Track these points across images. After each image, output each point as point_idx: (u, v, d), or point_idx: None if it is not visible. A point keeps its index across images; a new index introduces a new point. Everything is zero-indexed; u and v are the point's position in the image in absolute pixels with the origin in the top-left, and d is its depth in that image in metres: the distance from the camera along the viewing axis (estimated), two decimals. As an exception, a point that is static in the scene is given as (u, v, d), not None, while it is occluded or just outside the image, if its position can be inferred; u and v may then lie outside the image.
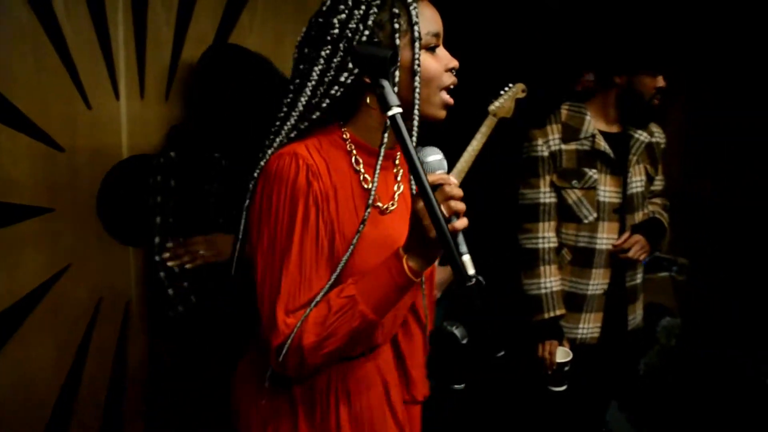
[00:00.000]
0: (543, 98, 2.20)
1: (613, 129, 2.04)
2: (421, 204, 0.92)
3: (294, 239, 0.99)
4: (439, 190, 0.93)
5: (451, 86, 1.09)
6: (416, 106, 1.03)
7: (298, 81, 1.06)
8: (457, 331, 0.93)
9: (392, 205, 1.13)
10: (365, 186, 1.08)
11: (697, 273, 3.19)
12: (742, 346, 2.81)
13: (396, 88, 1.01)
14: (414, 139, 1.01)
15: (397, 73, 1.01)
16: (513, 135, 2.19)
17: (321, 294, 1.00)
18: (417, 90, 1.02)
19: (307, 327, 0.96)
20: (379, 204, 1.11)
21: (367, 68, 0.96)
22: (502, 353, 0.93)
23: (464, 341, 0.93)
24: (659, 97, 1.93)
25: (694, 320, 3.14)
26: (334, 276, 1.02)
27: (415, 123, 1.03)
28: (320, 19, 1.05)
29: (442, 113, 1.09)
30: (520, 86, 2.22)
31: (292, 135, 1.05)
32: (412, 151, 0.92)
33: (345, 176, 1.06)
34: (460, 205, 0.92)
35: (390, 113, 0.93)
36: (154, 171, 1.77)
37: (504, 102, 2.17)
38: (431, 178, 0.93)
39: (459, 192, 0.94)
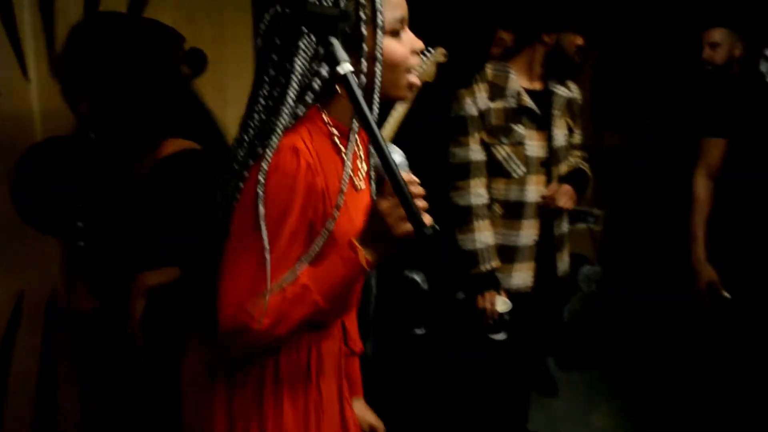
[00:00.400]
0: (467, 59, 2.26)
1: (536, 86, 2.12)
2: (385, 204, 0.94)
3: (283, 232, 0.98)
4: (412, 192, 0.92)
5: (413, 79, 1.10)
6: (376, 91, 1.04)
7: (273, 73, 1.03)
8: (417, 277, 0.96)
9: (362, 180, 1.14)
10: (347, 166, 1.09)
11: (612, 222, 3.40)
12: (657, 289, 3.04)
13: (363, 77, 1.02)
14: (375, 119, 1.02)
15: (363, 61, 1.02)
16: (438, 99, 2.24)
17: (283, 279, 1.00)
18: (377, 76, 1.04)
19: (262, 312, 0.97)
20: (357, 183, 1.13)
21: (316, 27, 0.95)
22: (462, 296, 0.98)
23: (425, 286, 0.96)
24: (579, 54, 2.01)
25: (612, 267, 3.36)
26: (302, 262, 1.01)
27: (375, 108, 1.04)
28: (287, 9, 1.02)
29: (409, 94, 1.12)
30: (441, 51, 2.25)
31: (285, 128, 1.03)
32: (367, 113, 0.92)
33: (333, 162, 1.06)
34: (423, 204, 0.94)
35: (340, 70, 0.92)
36: (71, 153, 1.66)
37: (425, 67, 2.20)
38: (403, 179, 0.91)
39: (422, 191, 0.95)
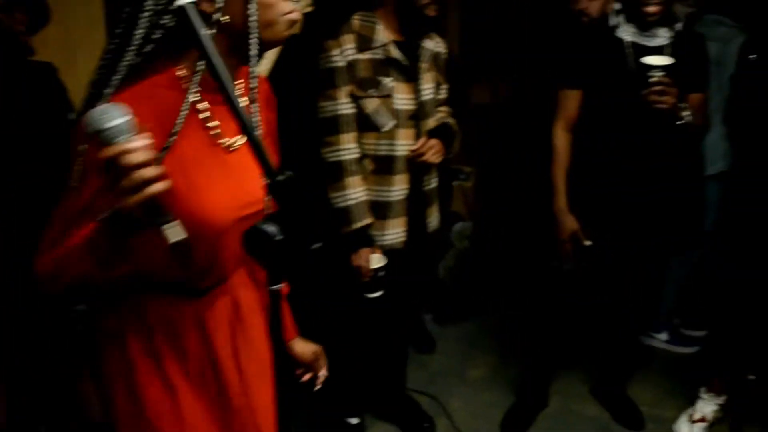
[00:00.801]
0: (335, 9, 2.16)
1: (402, 38, 2.07)
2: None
3: (86, 188, 0.94)
4: (124, 164, 0.81)
5: (293, 15, 1.04)
6: (253, 31, 0.99)
7: (121, 27, 0.97)
8: (269, 228, 0.88)
9: (242, 138, 1.08)
10: (209, 125, 1.04)
11: (481, 178, 3.49)
12: (528, 239, 3.14)
13: (227, 17, 0.97)
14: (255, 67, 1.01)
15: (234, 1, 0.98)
16: (305, 50, 2.13)
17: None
18: (253, 16, 0.98)
19: (45, 262, 0.98)
20: (224, 141, 1.07)
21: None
22: (318, 245, 0.92)
23: (278, 238, 0.89)
24: (434, 7, 1.95)
25: (482, 222, 3.46)
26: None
27: (254, 50, 1.00)
28: None
29: (287, 33, 1.06)
30: (305, 0, 2.15)
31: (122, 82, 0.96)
32: (211, 53, 0.85)
33: (184, 121, 0.99)
34: (149, 172, 0.81)
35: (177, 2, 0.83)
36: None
37: None
38: (109, 152, 0.81)
39: (145, 157, 0.82)
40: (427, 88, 2.11)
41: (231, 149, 1.08)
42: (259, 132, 1.03)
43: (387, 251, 2.11)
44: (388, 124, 2.03)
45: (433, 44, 2.14)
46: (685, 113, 2.10)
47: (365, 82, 2.01)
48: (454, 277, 3.32)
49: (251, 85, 1.03)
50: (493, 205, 3.51)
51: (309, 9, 2.22)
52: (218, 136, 1.06)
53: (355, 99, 2.02)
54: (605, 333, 2.65)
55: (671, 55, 2.11)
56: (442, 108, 2.26)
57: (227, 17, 0.98)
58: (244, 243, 0.94)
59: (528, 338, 2.72)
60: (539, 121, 2.51)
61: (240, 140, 1.09)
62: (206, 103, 1.04)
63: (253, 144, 0.88)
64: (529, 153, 2.72)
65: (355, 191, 2.04)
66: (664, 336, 3.06)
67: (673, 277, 2.83)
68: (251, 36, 0.98)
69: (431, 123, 2.13)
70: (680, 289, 2.95)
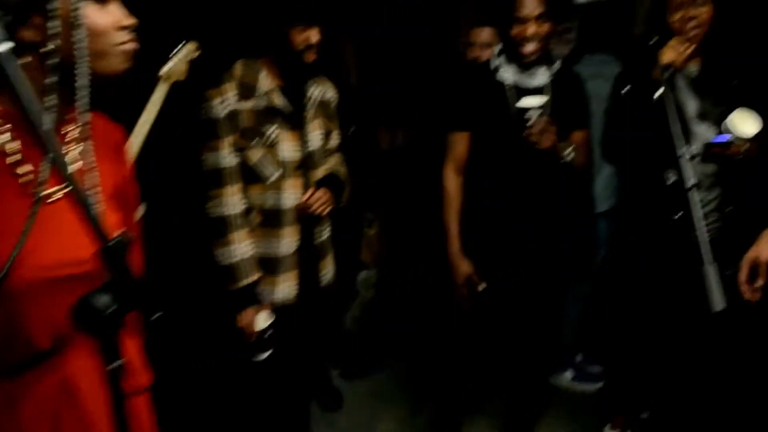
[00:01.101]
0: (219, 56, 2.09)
1: (287, 84, 2.01)
2: None
3: None
4: None
5: (129, 47, 0.98)
6: (81, 62, 0.90)
7: None
8: (99, 300, 0.78)
9: (65, 188, 0.93)
10: (19, 171, 0.92)
11: (385, 224, 3.44)
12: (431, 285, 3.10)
13: (57, 42, 0.89)
14: (85, 102, 0.90)
15: (58, 24, 0.89)
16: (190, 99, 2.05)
17: None
18: (81, 45, 0.90)
19: None
20: (39, 189, 0.90)
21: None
22: (159, 315, 0.82)
23: (111, 310, 0.78)
24: (311, 52, 1.90)
25: (388, 268, 3.39)
26: None
27: (84, 81, 0.90)
28: None
29: (122, 66, 0.98)
30: (192, 46, 2.07)
31: None
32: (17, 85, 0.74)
33: None
34: None
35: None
36: None
37: (175, 64, 2.00)
38: None
39: None
40: (315, 136, 2.05)
41: (49, 200, 0.94)
42: (93, 182, 0.91)
43: (278, 307, 2.01)
44: (274, 174, 1.96)
45: (321, 90, 2.10)
46: (567, 152, 2.16)
47: (249, 131, 1.94)
48: (361, 328, 3.22)
49: (81, 121, 0.93)
50: (397, 251, 3.47)
51: (195, 54, 2.13)
52: (30, 183, 0.92)
53: (238, 150, 1.94)
54: (511, 376, 2.63)
55: (551, 94, 2.18)
56: (334, 156, 2.21)
57: (53, 46, 0.89)
58: (74, 315, 0.84)
59: (436, 386, 2.65)
60: (434, 165, 2.51)
61: (62, 190, 0.95)
62: (17, 143, 0.92)
63: (77, 198, 0.79)
64: (426, 197, 2.70)
65: (241, 246, 1.94)
66: (569, 374, 3.08)
67: (569, 314, 2.87)
68: (78, 66, 0.89)
69: (320, 172, 2.07)
70: (578, 325, 2.99)
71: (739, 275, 1.86)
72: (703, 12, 1.95)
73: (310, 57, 1.92)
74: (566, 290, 2.56)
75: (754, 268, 1.85)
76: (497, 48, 2.27)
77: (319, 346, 2.44)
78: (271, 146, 1.95)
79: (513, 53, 2.18)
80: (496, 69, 2.23)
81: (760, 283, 1.82)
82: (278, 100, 1.96)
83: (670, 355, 2.16)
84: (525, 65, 2.18)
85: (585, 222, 2.41)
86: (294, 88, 2.01)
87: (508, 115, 2.15)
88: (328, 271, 2.15)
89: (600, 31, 2.99)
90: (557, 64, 2.24)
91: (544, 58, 2.20)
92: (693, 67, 2.05)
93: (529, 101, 2.07)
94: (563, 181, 2.22)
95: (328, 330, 2.54)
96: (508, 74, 2.21)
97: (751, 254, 1.88)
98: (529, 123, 2.06)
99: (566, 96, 2.22)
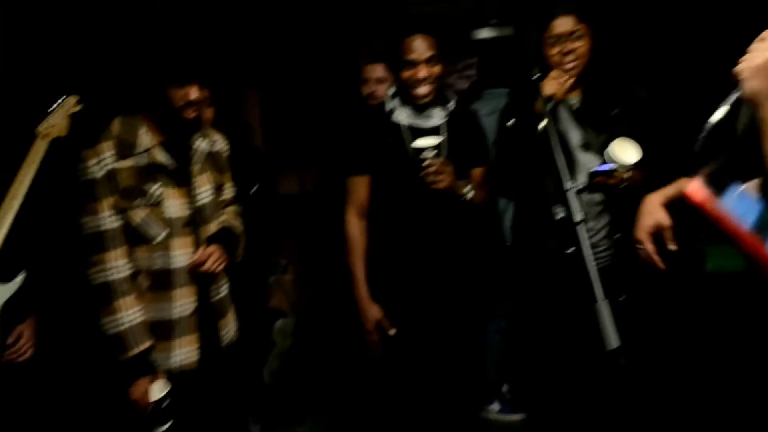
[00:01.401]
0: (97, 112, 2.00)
1: (169, 139, 1.93)
2: None
3: None
4: None
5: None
6: None
7: None
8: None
9: None
10: None
11: (300, 268, 3.37)
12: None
13: None
14: None
15: None
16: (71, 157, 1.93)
17: None
18: None
19: None
20: None
21: None
22: None
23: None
24: (192, 109, 1.83)
25: (306, 316, 3.31)
26: None
27: None
28: None
29: None
30: (72, 99, 1.97)
31: None
32: None
33: None
34: None
35: None
36: None
37: (54, 120, 1.90)
38: None
39: None
40: (204, 190, 1.97)
41: None
42: None
43: (176, 374, 1.88)
44: (160, 234, 1.85)
45: (208, 143, 2.03)
46: (466, 189, 2.16)
47: (130, 191, 1.83)
48: (280, 380, 3.10)
49: None
50: (314, 297, 3.39)
51: (76, 108, 2.03)
52: None
53: (120, 211, 1.83)
54: (437, 414, 2.57)
55: (447, 133, 2.19)
56: (229, 208, 2.13)
57: None
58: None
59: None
60: (340, 209, 2.46)
61: None
62: None
63: None
64: (336, 241, 2.65)
65: (129, 313, 1.82)
66: (496, 406, 3.06)
67: (491, 346, 2.86)
68: None
69: (212, 228, 1.98)
70: (501, 356, 2.98)
71: (645, 249, 1.70)
72: (580, 46, 2.01)
73: (190, 114, 1.84)
74: (485, 323, 2.54)
75: (658, 238, 1.70)
76: (391, 90, 2.27)
77: (233, 405, 2.31)
78: (156, 205, 1.85)
79: (406, 95, 2.18)
80: (392, 111, 2.22)
81: (673, 247, 1.68)
82: (160, 156, 1.88)
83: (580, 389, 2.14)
84: (419, 107, 2.19)
85: (494, 256, 2.41)
86: (177, 143, 1.93)
87: (405, 156, 2.14)
88: (229, 329, 2.05)
89: (499, 67, 3.07)
90: (452, 104, 2.26)
91: (438, 98, 2.21)
92: (574, 99, 2.10)
93: (423, 142, 2.07)
94: (465, 218, 2.22)
95: (241, 387, 2.42)
96: (402, 116, 2.21)
97: (645, 222, 1.69)
98: (425, 164, 2.05)
99: (463, 134, 2.24)
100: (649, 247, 1.69)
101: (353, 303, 2.28)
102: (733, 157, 1.12)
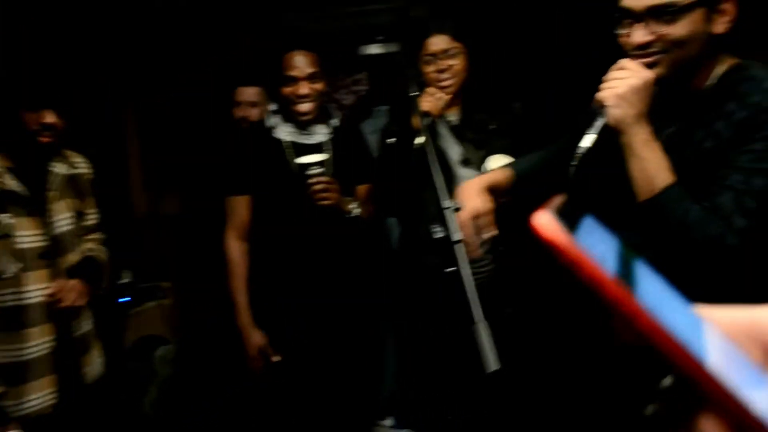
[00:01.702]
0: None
1: (19, 165, 1.74)
2: None
3: None
4: None
5: None
6: None
7: None
8: None
9: None
10: None
11: (182, 291, 3.19)
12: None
13: None
14: None
15: None
16: None
17: None
18: None
19: None
20: None
21: None
22: None
23: None
24: (49, 134, 1.71)
25: (189, 341, 3.13)
26: None
27: None
28: None
29: None
30: None
31: None
32: None
33: None
34: None
35: None
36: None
37: None
38: None
39: None
40: (62, 218, 1.80)
41: None
42: None
43: (33, 420, 1.70)
44: (10, 269, 1.67)
45: (68, 167, 1.86)
46: (352, 206, 2.13)
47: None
48: (161, 411, 2.91)
49: None
50: (196, 322, 3.22)
51: None
52: None
53: (-37, 245, 1.63)
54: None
55: (331, 150, 2.14)
56: (93, 235, 1.97)
57: None
58: None
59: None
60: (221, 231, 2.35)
61: None
62: None
63: None
64: (217, 265, 2.53)
65: (-28, 359, 1.63)
66: (389, 422, 3.04)
67: (388, 361, 2.84)
68: None
69: (72, 258, 1.82)
70: (396, 370, 2.97)
71: (465, 235, 1.56)
72: (455, 64, 2.03)
73: (45, 138, 1.69)
74: (383, 339, 2.51)
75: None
76: (272, 107, 2.19)
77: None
78: (5, 237, 1.67)
79: (288, 112, 2.12)
80: (272, 128, 2.15)
81: (492, 233, 1.63)
82: (10, 183, 1.69)
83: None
84: (301, 124, 2.13)
85: (384, 271, 2.39)
86: (30, 168, 1.75)
87: (289, 174, 2.08)
88: (94, 365, 1.88)
89: (387, 83, 3.07)
90: (335, 120, 2.22)
91: (321, 115, 2.16)
92: (453, 115, 2.12)
93: (308, 158, 2.02)
94: (354, 235, 2.19)
95: (114, 423, 2.24)
96: (284, 133, 2.14)
97: (473, 206, 1.60)
98: (311, 180, 2.00)
99: (347, 151, 2.20)
100: (466, 233, 1.57)
101: (236, 328, 2.18)
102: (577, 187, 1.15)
